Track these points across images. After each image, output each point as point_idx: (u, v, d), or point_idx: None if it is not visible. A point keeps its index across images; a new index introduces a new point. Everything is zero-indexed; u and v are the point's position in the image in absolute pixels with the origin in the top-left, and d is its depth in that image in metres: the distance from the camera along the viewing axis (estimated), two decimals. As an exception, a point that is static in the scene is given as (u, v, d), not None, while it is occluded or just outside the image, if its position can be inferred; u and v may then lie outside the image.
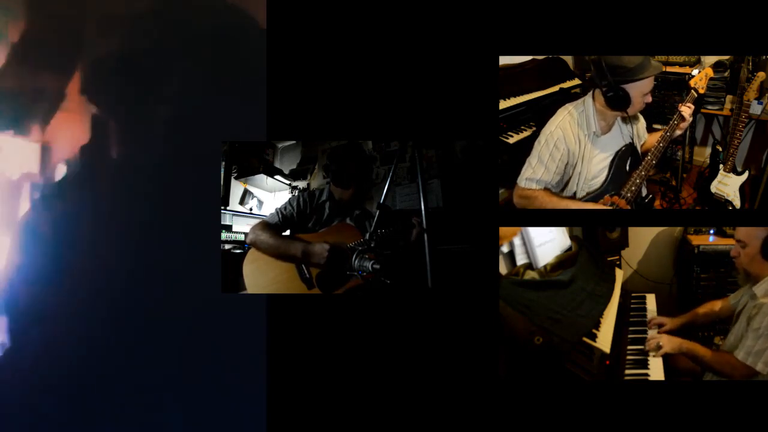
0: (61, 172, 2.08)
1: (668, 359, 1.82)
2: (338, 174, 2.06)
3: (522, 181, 1.87)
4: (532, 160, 1.87)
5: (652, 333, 1.97)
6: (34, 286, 2.01)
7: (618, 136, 1.92)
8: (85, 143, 2.06)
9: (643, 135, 2.01)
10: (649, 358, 1.81)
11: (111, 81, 2.05)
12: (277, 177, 3.62)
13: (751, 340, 1.67)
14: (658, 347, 1.80)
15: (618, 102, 1.82)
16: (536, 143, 1.88)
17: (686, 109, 1.89)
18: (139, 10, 2.04)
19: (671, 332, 2.00)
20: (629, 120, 1.90)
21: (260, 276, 1.90)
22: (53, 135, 2.10)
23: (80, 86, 2.08)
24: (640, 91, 1.82)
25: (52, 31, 2.09)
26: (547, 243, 2.05)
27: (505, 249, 1.95)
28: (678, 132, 1.92)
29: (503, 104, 2.30)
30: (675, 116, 1.90)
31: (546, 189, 1.87)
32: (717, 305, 2.01)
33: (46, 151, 2.12)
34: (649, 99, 1.87)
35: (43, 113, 2.10)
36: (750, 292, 1.76)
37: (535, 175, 1.86)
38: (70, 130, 2.09)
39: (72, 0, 2.07)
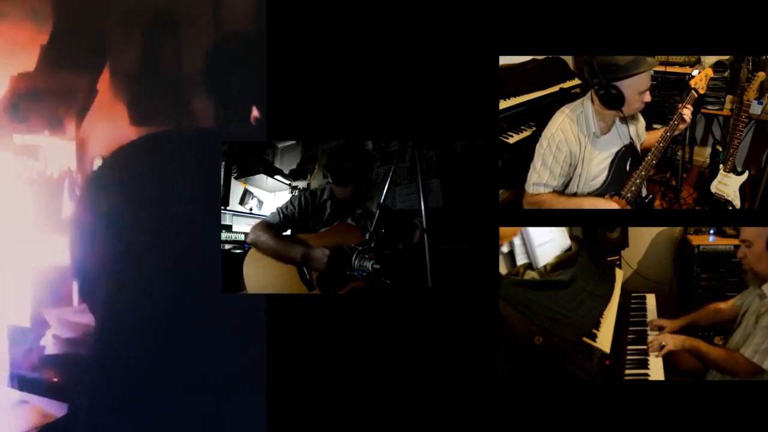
0: (97, 166, 2.11)
1: (669, 359, 1.82)
2: (335, 170, 2.06)
3: (530, 187, 1.87)
4: (537, 164, 1.87)
5: (653, 335, 1.97)
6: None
7: (617, 137, 1.92)
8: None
9: (642, 135, 2.01)
10: (649, 358, 1.81)
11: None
12: (277, 177, 3.62)
13: (759, 338, 1.66)
14: (661, 347, 1.80)
15: (611, 100, 1.81)
16: (538, 147, 1.88)
17: (687, 111, 1.89)
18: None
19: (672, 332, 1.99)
20: (627, 120, 1.89)
21: (261, 276, 1.91)
22: (88, 131, 2.13)
23: (110, 81, 2.10)
24: (635, 89, 1.80)
25: (78, 30, 2.11)
26: (547, 243, 2.05)
27: (505, 249, 1.95)
28: (677, 132, 1.92)
29: (503, 104, 2.30)
30: (675, 116, 1.90)
31: (554, 191, 1.87)
32: (720, 307, 2.00)
33: (82, 147, 2.14)
34: (648, 98, 1.85)
35: (77, 111, 2.12)
36: (759, 291, 1.76)
37: (541, 179, 1.86)
38: (104, 125, 2.11)
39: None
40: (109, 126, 2.10)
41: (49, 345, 2.15)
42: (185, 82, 2.07)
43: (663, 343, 1.81)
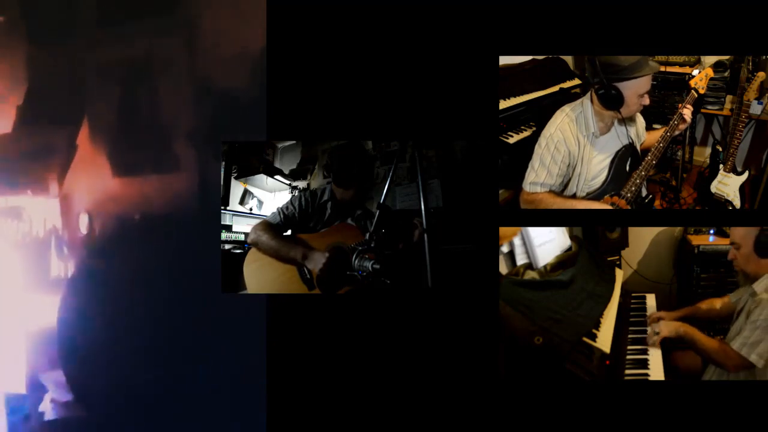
0: (83, 222, 2.10)
1: (668, 358, 1.82)
2: (340, 174, 2.06)
3: (527, 186, 1.87)
4: (535, 163, 1.87)
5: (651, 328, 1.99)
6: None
7: (617, 137, 1.92)
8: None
9: (642, 135, 2.01)
10: (649, 358, 1.81)
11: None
12: (277, 177, 3.62)
13: (747, 332, 1.69)
14: (656, 333, 1.81)
15: (611, 101, 1.80)
16: (537, 146, 1.88)
17: (687, 111, 1.89)
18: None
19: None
20: (625, 122, 1.89)
21: (261, 276, 1.90)
22: (71, 187, 2.12)
23: (89, 135, 2.09)
24: (635, 91, 1.80)
25: (54, 86, 2.10)
26: (547, 243, 2.05)
27: (505, 249, 1.95)
28: (677, 132, 1.92)
29: (503, 104, 2.30)
30: (675, 116, 1.90)
31: (551, 191, 1.87)
32: (718, 303, 2.02)
33: (66, 204, 2.13)
34: (647, 101, 1.84)
35: (59, 168, 2.12)
36: (750, 290, 1.78)
37: (538, 179, 1.86)
38: (87, 179, 2.11)
39: (70, 51, 2.07)
40: (92, 180, 2.10)
41: (48, 410, 2.11)
42: (165, 130, 2.05)
43: (657, 330, 1.82)
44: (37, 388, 2.11)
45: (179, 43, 2.01)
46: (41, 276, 2.11)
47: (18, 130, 2.12)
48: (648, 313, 2.09)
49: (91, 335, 1.96)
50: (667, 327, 1.82)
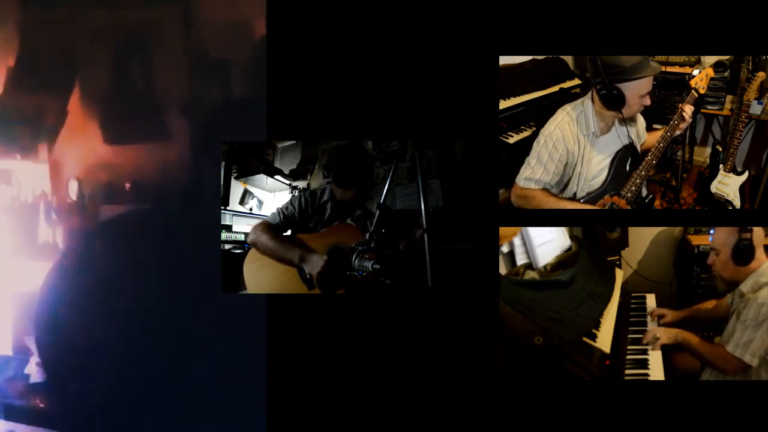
0: (73, 189, 2.08)
1: (668, 359, 1.82)
2: (340, 174, 2.06)
3: (521, 181, 1.87)
4: (531, 160, 1.87)
5: (651, 326, 1.99)
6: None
7: (617, 137, 1.92)
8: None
9: (642, 135, 2.01)
10: (649, 358, 1.81)
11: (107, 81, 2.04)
12: (277, 177, 3.62)
13: (738, 332, 1.71)
14: (655, 339, 1.83)
15: (612, 101, 1.81)
16: (535, 143, 1.88)
17: (687, 109, 1.89)
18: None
19: (670, 324, 2.04)
20: (626, 122, 1.89)
21: (261, 276, 1.91)
22: (61, 153, 2.10)
23: (80, 100, 2.07)
24: (636, 92, 1.80)
25: (46, 50, 2.07)
26: (547, 243, 2.05)
27: (505, 249, 1.95)
28: (677, 132, 1.92)
29: (503, 104, 2.30)
30: (675, 116, 1.90)
31: (544, 189, 1.87)
32: (717, 303, 2.03)
33: (55, 170, 2.11)
34: (648, 101, 1.85)
35: (48, 133, 2.10)
36: (738, 291, 1.81)
37: (534, 175, 1.86)
38: (77, 146, 2.09)
39: (62, 16, 2.05)
40: (83, 146, 2.07)
41: (33, 373, 2.12)
42: (158, 99, 2.03)
43: (657, 335, 1.84)
44: (22, 351, 2.12)
45: (176, 12, 1.99)
46: (29, 241, 2.10)
47: (9, 93, 2.09)
48: (648, 310, 2.10)
49: (91, 335, 1.96)
50: (667, 334, 1.84)
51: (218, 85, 1.95)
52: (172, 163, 1.96)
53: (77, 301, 1.96)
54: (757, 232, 1.79)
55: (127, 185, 2.02)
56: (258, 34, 1.86)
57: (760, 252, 1.79)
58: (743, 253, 1.77)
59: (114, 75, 2.06)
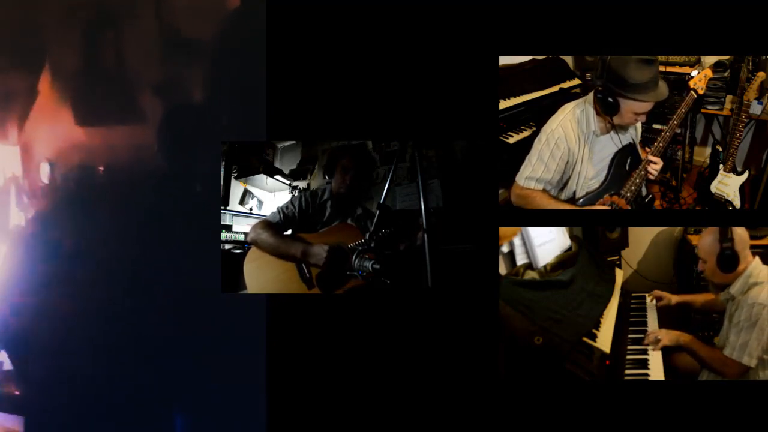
0: (44, 171, 2.03)
1: (668, 359, 1.83)
2: (339, 173, 2.06)
3: (521, 180, 1.87)
4: (532, 158, 1.87)
5: (653, 327, 2.01)
6: (31, 287, 2.00)
7: (617, 137, 1.92)
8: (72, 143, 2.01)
9: (641, 135, 2.01)
10: (648, 358, 1.81)
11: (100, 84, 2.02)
12: (277, 177, 3.62)
13: (733, 336, 1.73)
14: (657, 340, 1.84)
15: (605, 106, 1.81)
16: (536, 141, 1.88)
17: (654, 162, 1.90)
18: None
19: (668, 308, 2.14)
20: (616, 129, 1.89)
21: (261, 275, 1.91)
22: (31, 135, 2.06)
23: (51, 82, 2.02)
24: (631, 108, 1.80)
25: (15, 28, 2.00)
26: (547, 243, 2.05)
27: (505, 249, 1.95)
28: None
29: (503, 104, 2.30)
30: (640, 167, 1.90)
31: (544, 190, 1.87)
32: (714, 296, 2.03)
33: (26, 152, 2.07)
34: (643, 119, 1.86)
35: (18, 114, 2.05)
36: (728, 294, 1.81)
37: (534, 173, 1.85)
38: (48, 127, 2.04)
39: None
40: (54, 128, 2.01)
41: (6, 360, 2.08)
42: (130, 79, 1.97)
43: (658, 337, 1.85)
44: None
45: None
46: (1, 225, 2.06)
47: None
48: (649, 323, 2.11)
49: (89, 336, 1.96)
50: (668, 336, 1.85)
51: (191, 64, 1.90)
52: (146, 146, 1.91)
53: (75, 302, 1.95)
54: (739, 235, 1.79)
55: (101, 168, 1.97)
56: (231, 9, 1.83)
57: (745, 254, 1.80)
58: (727, 261, 1.78)
59: (85, 54, 1.99)
